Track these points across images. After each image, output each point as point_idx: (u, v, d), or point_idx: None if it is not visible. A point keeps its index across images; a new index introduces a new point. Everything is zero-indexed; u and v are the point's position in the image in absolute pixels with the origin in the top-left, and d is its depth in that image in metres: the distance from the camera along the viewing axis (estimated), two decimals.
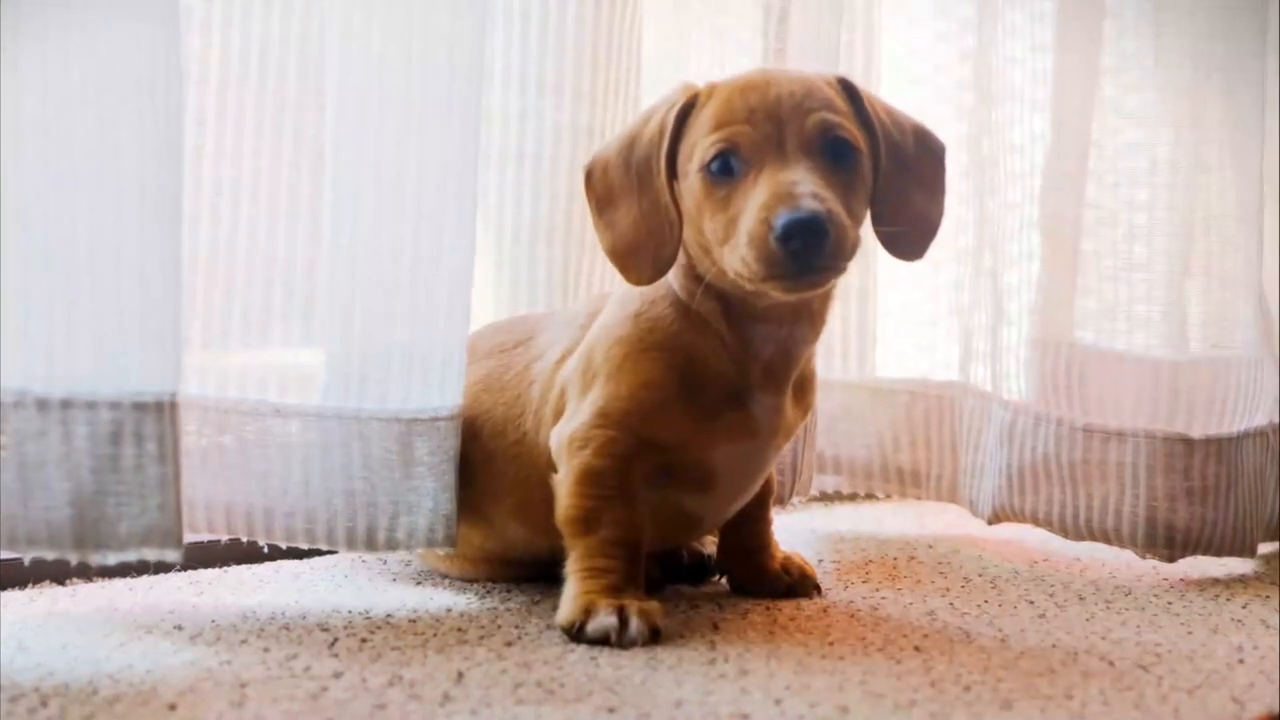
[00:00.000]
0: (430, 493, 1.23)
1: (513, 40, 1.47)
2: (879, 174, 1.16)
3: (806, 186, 1.07)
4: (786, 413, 1.21)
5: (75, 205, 1.06)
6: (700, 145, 1.13)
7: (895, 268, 1.77)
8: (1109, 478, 1.47)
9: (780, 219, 1.05)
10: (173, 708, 0.93)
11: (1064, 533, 1.51)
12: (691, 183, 1.13)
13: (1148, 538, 1.46)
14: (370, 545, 1.23)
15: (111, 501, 1.07)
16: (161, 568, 1.34)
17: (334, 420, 1.23)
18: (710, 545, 1.39)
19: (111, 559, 1.07)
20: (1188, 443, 1.45)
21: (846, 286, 1.72)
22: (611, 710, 0.94)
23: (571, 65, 1.47)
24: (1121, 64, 1.52)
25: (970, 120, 1.63)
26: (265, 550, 1.38)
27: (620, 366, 1.18)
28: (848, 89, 1.17)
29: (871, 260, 1.74)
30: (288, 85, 1.26)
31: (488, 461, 1.26)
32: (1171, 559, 1.46)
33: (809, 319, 1.19)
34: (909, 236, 1.19)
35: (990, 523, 1.56)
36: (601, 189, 1.19)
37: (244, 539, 1.25)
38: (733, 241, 1.09)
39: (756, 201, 1.07)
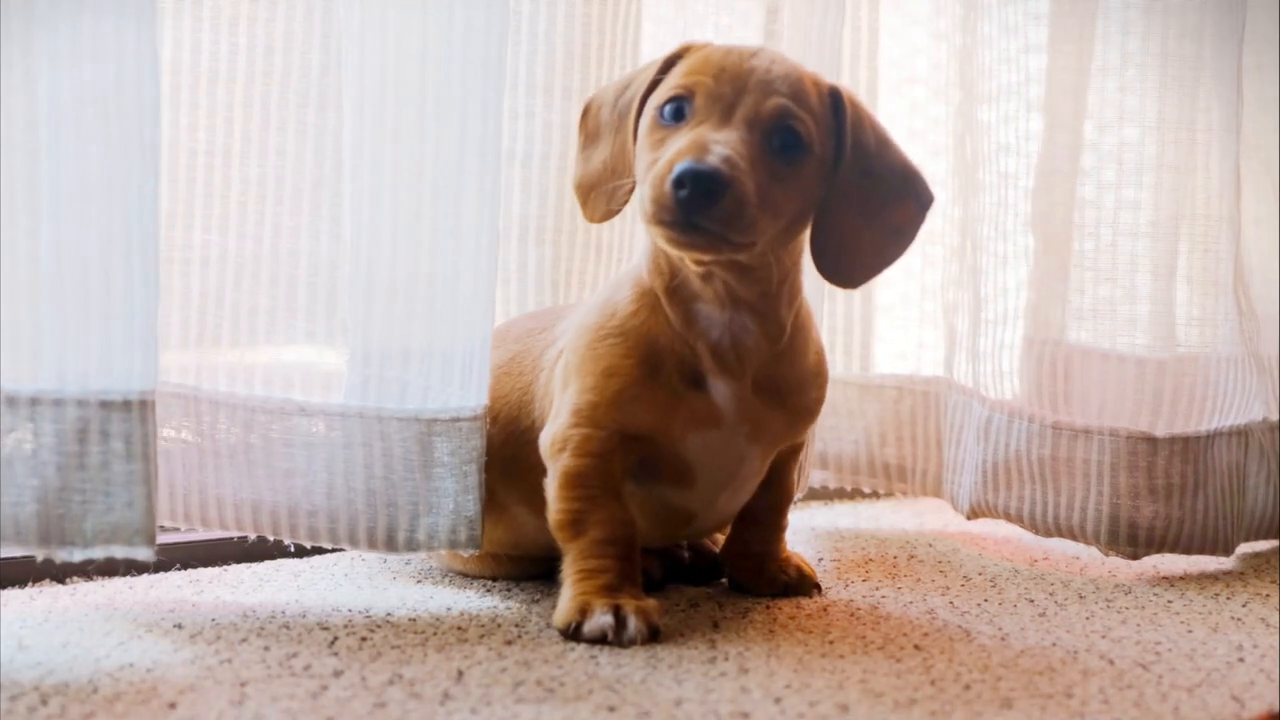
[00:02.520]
0: (451, 494, 1.23)
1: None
2: (835, 192, 1.15)
3: (722, 149, 1.07)
4: (752, 402, 1.19)
5: (42, 204, 1.06)
6: (663, 89, 1.15)
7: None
8: (1076, 475, 1.48)
9: (679, 166, 1.06)
10: (173, 706, 0.93)
11: (1033, 529, 1.51)
12: (645, 122, 1.15)
13: (1110, 535, 1.46)
14: (390, 546, 1.23)
15: (77, 499, 1.07)
16: (161, 566, 1.35)
17: (356, 419, 1.23)
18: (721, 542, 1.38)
19: (78, 556, 1.07)
20: (1151, 441, 1.46)
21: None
22: (612, 709, 0.95)
23: (562, 63, 1.47)
24: (1107, 64, 1.52)
25: (956, 116, 1.64)
26: (266, 547, 1.38)
27: (584, 357, 1.19)
28: (834, 99, 1.16)
29: None
30: (310, 84, 1.26)
31: (505, 445, 1.26)
32: (1135, 556, 1.46)
33: (749, 310, 1.18)
34: (845, 266, 1.19)
35: (969, 518, 1.57)
36: (592, 125, 1.23)
37: (270, 537, 1.25)
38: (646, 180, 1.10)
39: (672, 148, 1.09)
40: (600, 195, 1.20)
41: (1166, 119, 1.49)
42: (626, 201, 1.19)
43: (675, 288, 1.18)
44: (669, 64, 1.17)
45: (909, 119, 1.74)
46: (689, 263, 1.15)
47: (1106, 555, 1.48)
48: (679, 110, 1.12)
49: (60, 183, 1.06)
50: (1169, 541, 1.46)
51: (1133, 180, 1.50)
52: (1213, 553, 1.48)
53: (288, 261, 1.26)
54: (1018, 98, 1.53)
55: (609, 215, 1.20)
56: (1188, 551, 1.47)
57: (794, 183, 1.12)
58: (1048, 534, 1.50)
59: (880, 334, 1.77)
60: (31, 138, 1.06)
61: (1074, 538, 1.49)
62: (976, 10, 1.57)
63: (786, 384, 1.22)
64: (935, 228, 1.70)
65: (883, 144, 1.19)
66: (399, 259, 1.23)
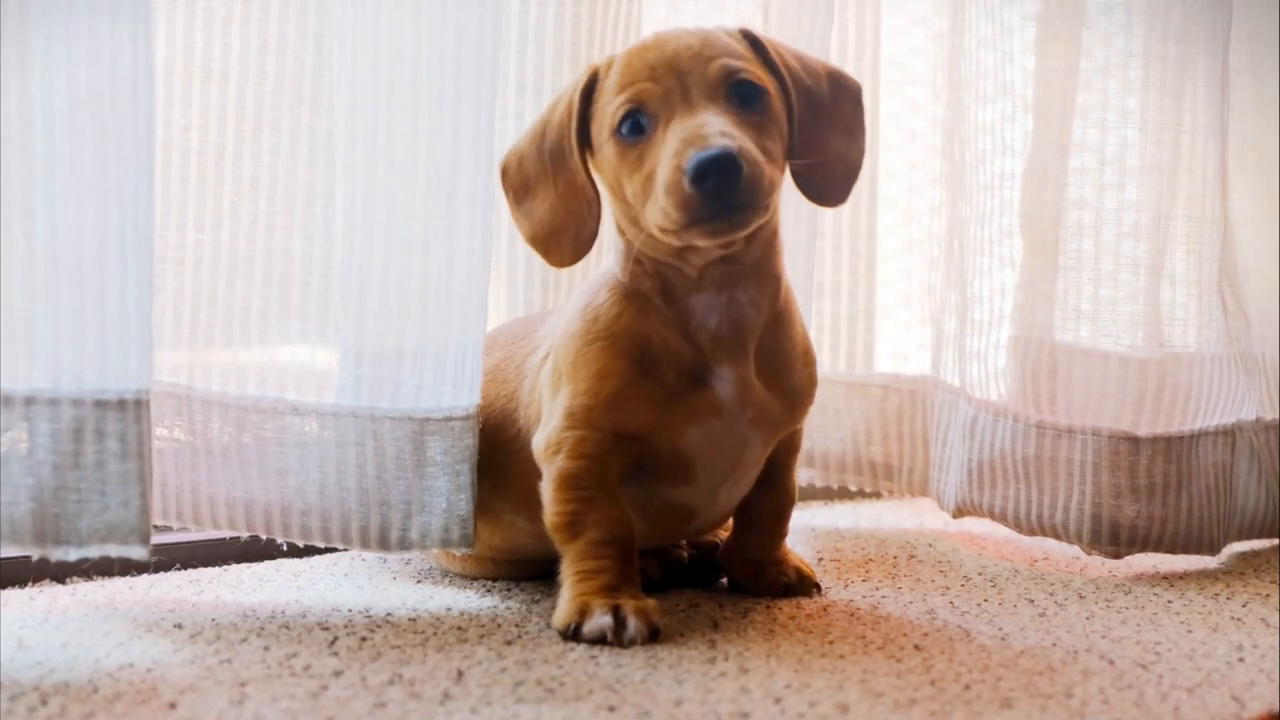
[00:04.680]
0: (443, 493, 1.23)
1: None
2: (793, 118, 1.17)
3: (714, 127, 1.08)
4: (755, 386, 1.19)
5: (38, 204, 1.06)
6: (608, 111, 1.14)
7: (885, 263, 1.77)
8: (1059, 474, 1.48)
9: (691, 160, 1.06)
10: (173, 706, 0.93)
11: (1017, 528, 1.51)
12: (606, 152, 1.15)
13: (1093, 534, 1.46)
14: (383, 545, 1.23)
15: (72, 498, 1.07)
16: (161, 566, 1.35)
17: (349, 419, 1.23)
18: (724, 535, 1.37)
19: (73, 555, 1.07)
20: (1134, 440, 1.46)
21: (836, 283, 1.72)
22: (612, 709, 0.94)
23: (552, 64, 1.47)
24: (1094, 65, 1.52)
25: (949, 116, 1.63)
26: (266, 547, 1.38)
27: (574, 362, 1.18)
28: (750, 38, 1.18)
29: (865, 258, 1.73)
30: (303, 84, 1.26)
31: (493, 454, 1.26)
32: (1118, 555, 1.46)
33: (752, 277, 1.18)
34: (829, 180, 1.20)
35: (955, 516, 1.58)
36: (517, 181, 1.21)
37: (263, 536, 1.25)
38: (652, 197, 1.10)
39: (668, 151, 1.09)
40: (564, 239, 1.18)
41: (1151, 120, 1.49)
42: (595, 238, 1.18)
43: (668, 287, 1.18)
44: (588, 91, 1.17)
45: (909, 119, 1.73)
46: (712, 243, 1.13)
47: (1089, 554, 1.48)
48: (636, 125, 1.12)
49: (56, 183, 1.06)
50: (1152, 541, 1.46)
51: (1118, 181, 1.50)
52: (1198, 552, 1.48)
53: (281, 261, 1.26)
54: (1015, 98, 1.53)
55: (578, 256, 1.19)
56: (1171, 551, 1.47)
57: (771, 127, 1.14)
58: (1031, 533, 1.51)
59: (880, 334, 1.77)
60: (28, 138, 1.06)
61: (1057, 536, 1.49)
62: (974, 10, 1.57)
63: (781, 358, 1.22)
64: (925, 225, 1.70)
65: (800, 58, 1.22)
66: (391, 258, 1.23)
